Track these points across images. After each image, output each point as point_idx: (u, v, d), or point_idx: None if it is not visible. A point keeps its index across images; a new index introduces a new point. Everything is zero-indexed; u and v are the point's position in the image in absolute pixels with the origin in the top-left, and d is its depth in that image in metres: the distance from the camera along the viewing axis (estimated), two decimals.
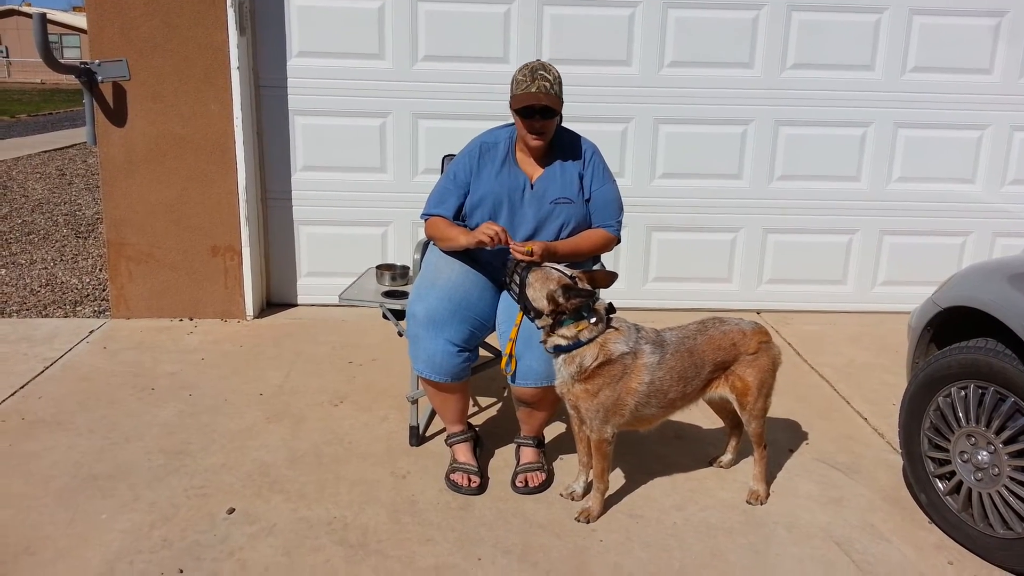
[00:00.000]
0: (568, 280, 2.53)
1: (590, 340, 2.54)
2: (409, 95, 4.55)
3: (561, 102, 2.73)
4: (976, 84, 4.64)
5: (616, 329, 2.59)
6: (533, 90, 2.67)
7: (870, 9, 4.53)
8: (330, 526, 2.64)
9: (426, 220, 2.96)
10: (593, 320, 2.55)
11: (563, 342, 2.54)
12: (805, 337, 4.50)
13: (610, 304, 2.63)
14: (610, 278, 2.69)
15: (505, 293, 2.83)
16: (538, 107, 2.68)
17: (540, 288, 2.54)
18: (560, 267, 2.60)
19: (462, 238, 2.80)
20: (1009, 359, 2.40)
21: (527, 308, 2.59)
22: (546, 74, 2.70)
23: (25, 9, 42.41)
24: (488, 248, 2.72)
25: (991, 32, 4.58)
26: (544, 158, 2.88)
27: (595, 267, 2.98)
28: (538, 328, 2.60)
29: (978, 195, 4.82)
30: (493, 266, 2.93)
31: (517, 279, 2.60)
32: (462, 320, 2.80)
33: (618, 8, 4.48)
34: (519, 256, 2.67)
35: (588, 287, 2.57)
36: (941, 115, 4.68)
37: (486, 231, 2.68)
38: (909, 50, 4.59)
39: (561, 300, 2.51)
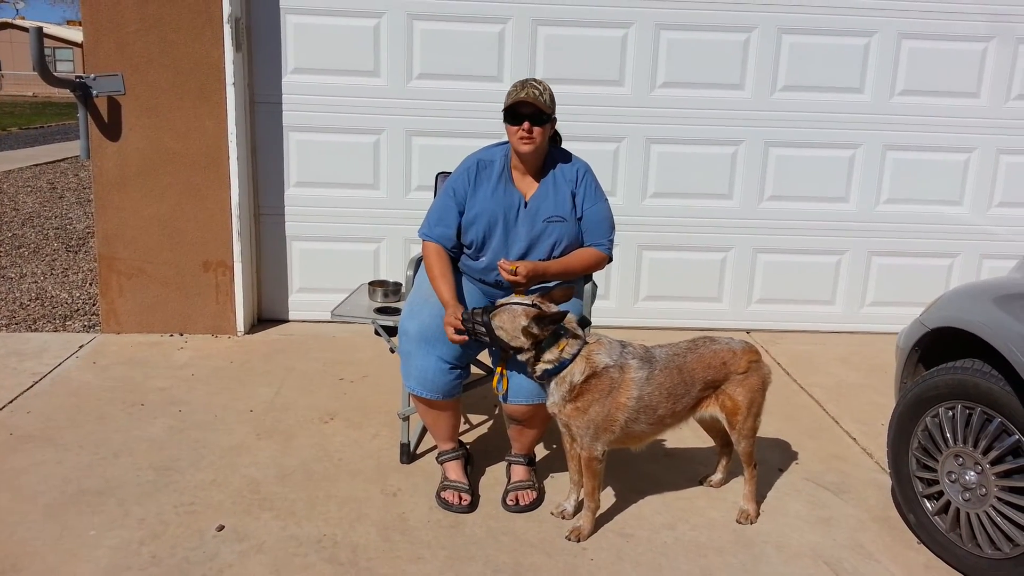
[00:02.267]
0: (534, 310, 2.53)
1: (574, 356, 2.55)
2: (403, 112, 4.57)
3: (551, 109, 2.76)
4: (964, 108, 4.71)
5: (596, 342, 2.61)
6: (523, 95, 2.71)
7: (860, 32, 4.59)
8: (320, 544, 2.63)
9: (424, 241, 2.93)
10: (570, 336, 2.57)
11: (550, 366, 2.56)
12: (795, 357, 4.52)
13: (583, 317, 2.63)
14: (567, 293, 2.69)
15: None
16: (527, 112, 2.70)
17: (511, 328, 2.53)
18: (516, 299, 2.60)
19: (440, 296, 2.77)
20: (996, 380, 2.42)
21: (505, 349, 2.59)
22: (537, 84, 2.75)
23: (20, 23, 42.37)
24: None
25: (979, 56, 4.64)
26: (537, 176, 2.89)
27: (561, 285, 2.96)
28: (522, 361, 2.60)
29: (965, 217, 4.87)
30: (485, 283, 2.95)
31: (483, 328, 2.58)
32: None
33: (612, 29, 4.52)
34: (505, 275, 2.70)
35: (554, 308, 2.58)
36: (929, 138, 4.74)
37: (449, 326, 2.64)
38: (898, 73, 4.65)
39: (537, 331, 2.51)
